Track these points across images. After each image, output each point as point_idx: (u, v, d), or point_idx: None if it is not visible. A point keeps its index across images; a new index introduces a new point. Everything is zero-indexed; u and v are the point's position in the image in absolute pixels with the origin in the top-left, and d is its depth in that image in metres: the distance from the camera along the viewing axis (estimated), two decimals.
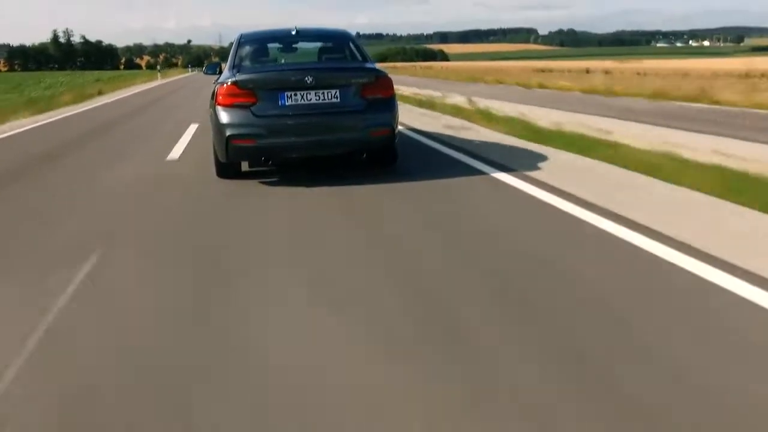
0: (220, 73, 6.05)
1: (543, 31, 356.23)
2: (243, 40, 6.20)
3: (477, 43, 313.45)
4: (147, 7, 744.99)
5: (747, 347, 2.30)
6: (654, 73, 28.88)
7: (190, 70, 79.78)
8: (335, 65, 6.05)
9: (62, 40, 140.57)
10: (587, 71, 32.90)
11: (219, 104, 5.20)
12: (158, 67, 59.53)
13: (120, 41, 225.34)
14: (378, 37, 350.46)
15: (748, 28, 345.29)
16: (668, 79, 20.87)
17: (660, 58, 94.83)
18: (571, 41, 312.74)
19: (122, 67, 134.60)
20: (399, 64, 62.37)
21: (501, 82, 25.89)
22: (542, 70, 35.18)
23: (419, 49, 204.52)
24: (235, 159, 5.45)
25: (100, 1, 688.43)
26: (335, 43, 6.66)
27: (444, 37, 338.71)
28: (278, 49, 6.85)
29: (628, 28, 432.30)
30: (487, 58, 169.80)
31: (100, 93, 23.70)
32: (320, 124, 5.19)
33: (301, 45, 6.89)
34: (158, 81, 41.80)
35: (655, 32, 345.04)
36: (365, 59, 6.06)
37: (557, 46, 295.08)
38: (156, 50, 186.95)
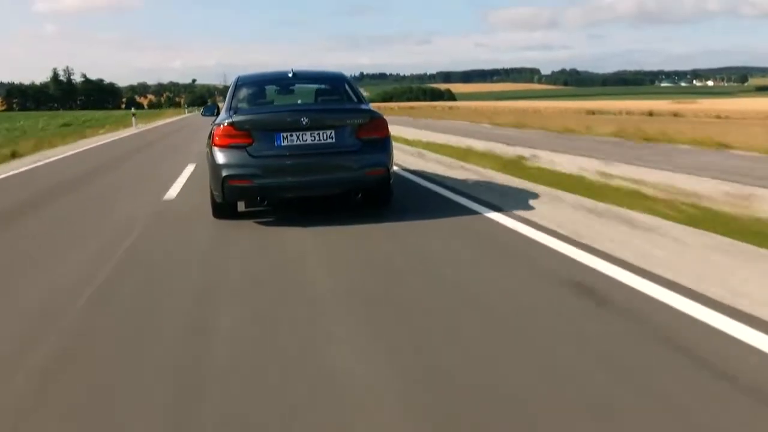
0: (218, 114, 6.20)
1: (546, 70, 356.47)
2: (240, 82, 6.34)
3: (480, 83, 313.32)
4: (153, 48, 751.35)
5: None
6: (741, 117, 24.50)
7: (186, 111, 75.59)
8: (330, 106, 6.20)
9: (63, 78, 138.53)
10: (650, 114, 28.68)
11: (215, 145, 5.33)
12: (132, 109, 48.61)
13: (126, 80, 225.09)
14: (382, 76, 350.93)
15: (751, 67, 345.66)
16: None
17: (701, 98, 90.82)
18: (575, 81, 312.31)
19: (123, 106, 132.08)
20: (415, 104, 58.52)
21: (645, 138, 11.99)
22: (592, 112, 30.95)
23: (426, 88, 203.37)
24: (231, 199, 5.56)
25: (107, 42, 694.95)
26: (331, 84, 6.70)
27: (447, 76, 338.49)
28: (275, 90, 6.92)
29: (630, 68, 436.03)
30: (493, 97, 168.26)
31: (14, 156, 14.20)
32: (316, 164, 5.30)
33: (298, 87, 6.94)
34: (133, 129, 28.86)
35: (658, 72, 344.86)
36: (360, 100, 6.15)
37: (561, 86, 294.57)
38: (160, 89, 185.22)
